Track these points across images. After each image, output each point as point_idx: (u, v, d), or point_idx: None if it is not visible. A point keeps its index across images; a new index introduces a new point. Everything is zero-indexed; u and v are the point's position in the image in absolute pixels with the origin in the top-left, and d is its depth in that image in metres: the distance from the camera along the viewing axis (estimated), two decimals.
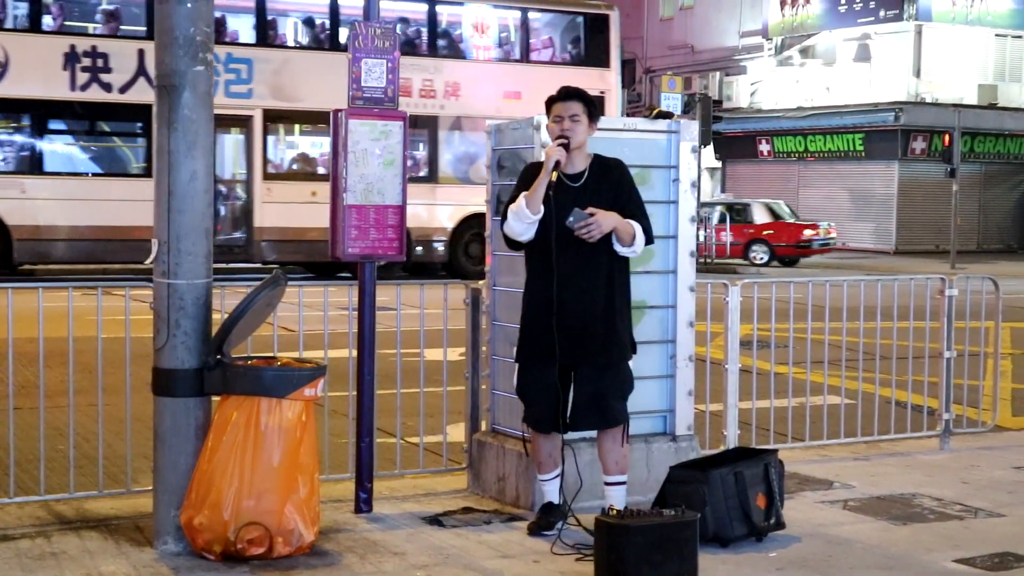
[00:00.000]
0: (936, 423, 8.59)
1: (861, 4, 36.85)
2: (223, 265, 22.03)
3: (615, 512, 5.43)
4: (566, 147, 5.86)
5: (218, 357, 5.73)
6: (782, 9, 39.27)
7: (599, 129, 6.16)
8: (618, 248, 5.90)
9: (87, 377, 7.34)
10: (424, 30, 24.81)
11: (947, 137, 30.96)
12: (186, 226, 5.77)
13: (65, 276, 22.02)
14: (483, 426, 7.10)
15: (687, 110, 30.70)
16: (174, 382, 5.76)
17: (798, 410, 8.40)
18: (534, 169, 6.01)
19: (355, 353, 6.54)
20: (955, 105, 33.59)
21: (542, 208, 5.81)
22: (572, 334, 5.86)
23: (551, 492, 6.16)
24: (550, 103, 6.05)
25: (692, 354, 6.90)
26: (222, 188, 23.07)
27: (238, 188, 23.45)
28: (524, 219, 5.83)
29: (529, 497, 6.51)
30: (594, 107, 6.04)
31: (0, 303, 6.68)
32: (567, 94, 6.01)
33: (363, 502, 6.49)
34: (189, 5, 5.77)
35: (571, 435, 6.21)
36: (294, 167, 24.12)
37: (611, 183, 5.96)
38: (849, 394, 8.66)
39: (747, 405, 8.09)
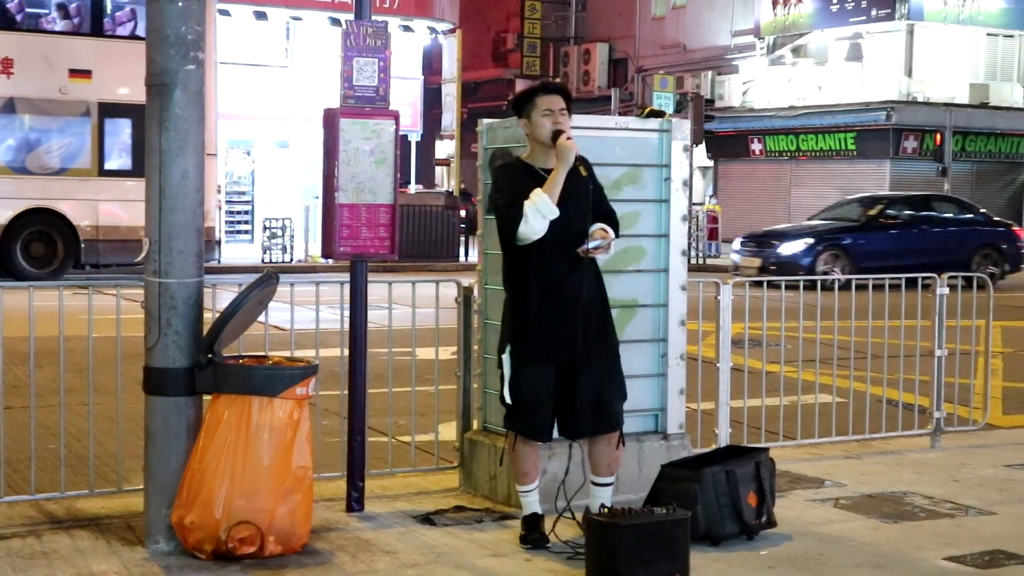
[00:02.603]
0: (927, 421, 8.60)
1: (853, 3, 36.87)
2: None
3: (606, 511, 5.43)
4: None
5: (209, 356, 5.72)
6: (774, 8, 39.26)
7: (587, 127, 6.15)
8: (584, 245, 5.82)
9: (78, 376, 7.34)
10: None
11: (938, 136, 30.99)
12: (178, 225, 5.76)
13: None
14: (475, 425, 7.10)
15: (679, 109, 30.75)
16: (165, 381, 5.76)
17: (789, 409, 8.41)
18: (514, 168, 5.89)
19: (347, 352, 6.54)
20: (947, 104, 33.62)
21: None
22: (574, 332, 5.75)
23: (535, 503, 5.99)
24: (530, 95, 5.87)
25: (684, 353, 6.91)
26: None
27: None
28: (549, 215, 5.63)
29: None
30: (571, 101, 5.97)
31: None
32: (553, 88, 5.91)
33: (355, 501, 6.49)
34: (180, 4, 5.76)
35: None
36: None
37: (591, 176, 5.89)
38: (840, 392, 8.68)
39: (738, 404, 8.10)
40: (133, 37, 21.71)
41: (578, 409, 5.82)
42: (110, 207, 21.83)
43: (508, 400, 5.86)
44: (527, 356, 5.81)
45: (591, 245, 5.67)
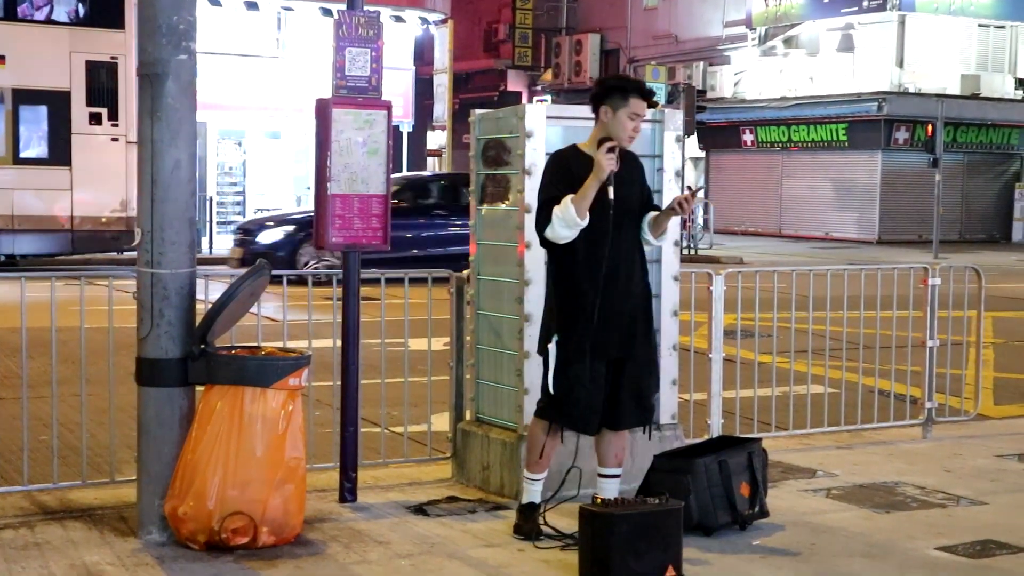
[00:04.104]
0: (919, 412, 8.62)
1: None
2: None
3: (599, 501, 5.44)
4: (615, 152, 5.63)
5: (202, 347, 5.72)
6: None
7: (581, 118, 6.14)
8: (649, 239, 5.83)
9: (70, 367, 7.33)
10: None
11: (930, 127, 30.98)
12: (170, 215, 5.75)
13: (48, 266, 21.93)
14: (467, 415, 7.11)
15: (671, 100, 30.71)
16: (158, 372, 5.75)
17: (782, 399, 8.43)
18: (565, 160, 5.78)
19: (339, 343, 6.54)
20: (938, 95, 33.62)
21: (588, 216, 5.60)
22: (627, 326, 5.73)
23: (537, 493, 5.97)
24: (626, 92, 5.74)
25: (676, 343, 6.91)
26: None
27: None
28: (573, 225, 5.56)
29: (514, 486, 6.51)
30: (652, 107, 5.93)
31: None
32: (650, 93, 5.81)
33: (348, 491, 6.49)
34: None
35: None
36: None
37: (635, 178, 5.85)
38: (833, 383, 8.69)
39: (731, 394, 8.11)
40: (49, 22, 21.48)
41: (622, 400, 5.80)
42: (25, 196, 21.41)
43: (551, 391, 5.74)
44: (581, 352, 5.68)
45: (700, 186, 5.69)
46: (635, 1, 44.80)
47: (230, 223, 29.74)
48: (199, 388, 5.82)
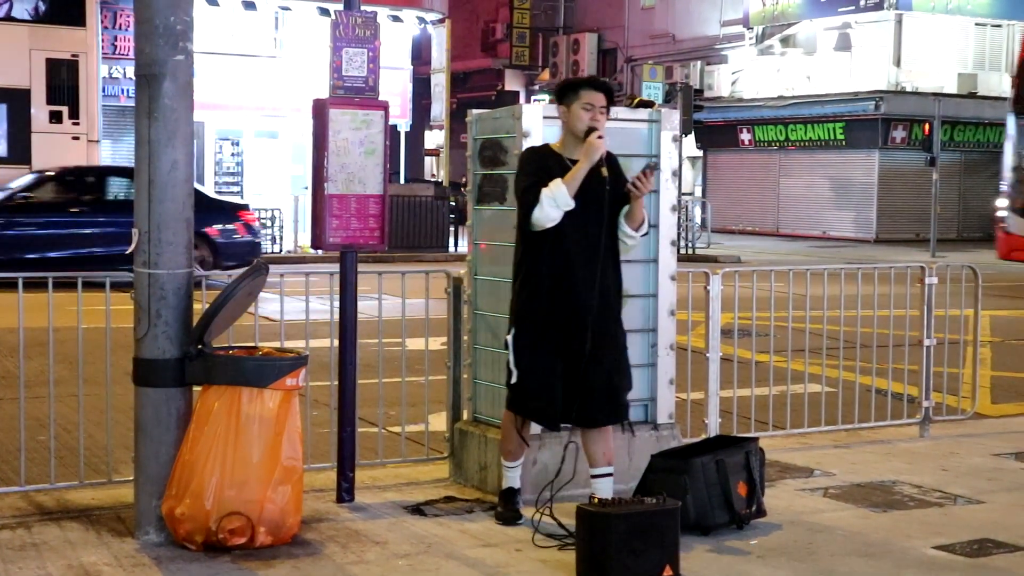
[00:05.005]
0: (916, 411, 8.63)
1: None
2: None
3: (597, 501, 5.44)
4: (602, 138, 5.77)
5: (199, 347, 5.72)
6: None
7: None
8: (626, 230, 5.88)
9: (67, 368, 7.32)
10: None
11: (927, 126, 31.00)
12: (167, 216, 5.75)
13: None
14: (465, 415, 7.10)
15: (668, 99, 30.70)
16: (155, 372, 5.75)
17: (779, 398, 8.43)
18: (541, 154, 5.93)
19: (337, 343, 6.54)
20: (935, 94, 33.64)
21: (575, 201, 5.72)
22: (583, 329, 5.77)
23: (515, 478, 6.17)
24: (576, 87, 5.91)
25: (673, 343, 6.91)
26: None
27: None
28: (564, 206, 5.69)
29: None
30: (613, 102, 5.99)
31: None
32: (600, 85, 5.91)
33: (345, 491, 6.49)
34: None
35: (535, 429, 6.25)
36: None
37: (616, 174, 5.92)
38: (830, 382, 8.70)
39: (728, 393, 8.12)
40: (9, 19, 21.28)
41: (594, 397, 5.85)
42: None
43: (512, 381, 5.89)
44: (535, 347, 5.83)
45: (652, 162, 5.87)
46: (633, 1, 44.81)
47: None
48: (196, 388, 5.82)
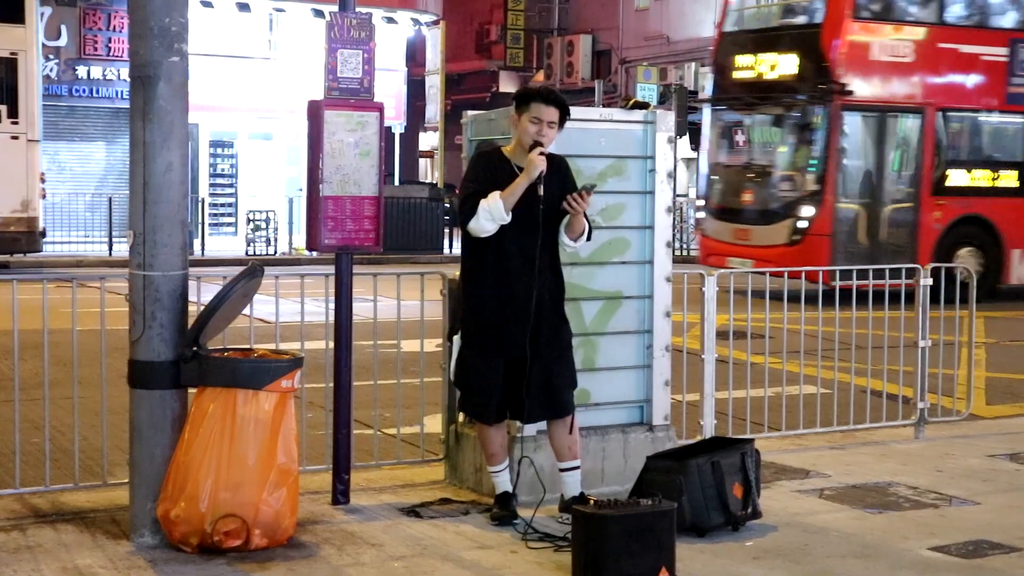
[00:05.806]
0: (911, 412, 8.63)
1: None
2: None
3: (593, 502, 5.45)
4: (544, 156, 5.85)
5: (194, 349, 5.71)
6: (757, 0, 39.23)
7: (577, 120, 6.18)
8: (566, 240, 6.00)
9: (62, 370, 7.31)
10: None
11: None
12: (162, 217, 5.75)
13: (39, 269, 21.88)
14: (460, 417, 7.09)
15: (663, 101, 30.73)
16: (150, 374, 5.74)
17: (774, 400, 8.43)
18: (490, 159, 6.02)
19: (332, 344, 6.53)
20: None
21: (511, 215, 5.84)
22: (526, 325, 5.90)
23: (505, 482, 6.23)
24: (528, 98, 5.98)
25: (669, 344, 6.91)
26: None
27: None
28: (499, 220, 5.83)
29: None
30: (567, 116, 6.05)
31: None
32: (552, 100, 5.96)
33: (340, 494, 6.48)
34: None
35: (528, 432, 6.33)
36: None
37: (560, 181, 5.98)
38: (825, 383, 8.69)
39: (724, 395, 8.11)
40: None
41: (531, 396, 5.99)
42: None
43: (452, 379, 6.22)
44: (476, 349, 6.04)
45: (588, 186, 5.89)
46: (627, 2, 44.81)
47: (223, 225, 29.77)
48: (191, 390, 5.81)
